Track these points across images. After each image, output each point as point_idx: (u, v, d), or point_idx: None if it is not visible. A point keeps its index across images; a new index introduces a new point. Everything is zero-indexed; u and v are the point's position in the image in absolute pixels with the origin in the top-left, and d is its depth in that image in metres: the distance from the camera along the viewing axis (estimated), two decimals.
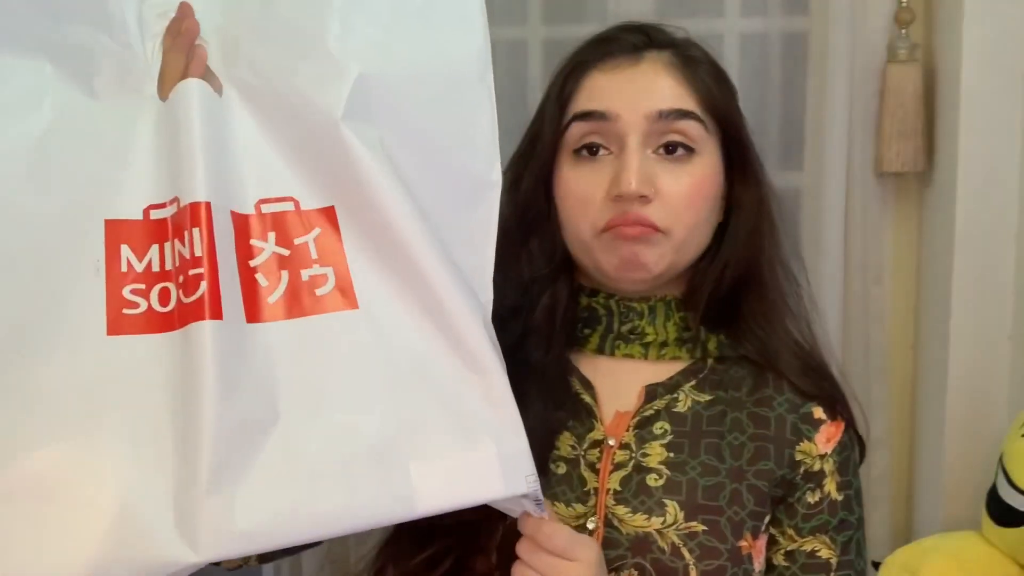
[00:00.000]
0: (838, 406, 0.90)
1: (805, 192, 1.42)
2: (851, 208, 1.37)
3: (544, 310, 0.90)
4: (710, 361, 0.91)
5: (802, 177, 1.42)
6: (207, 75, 0.73)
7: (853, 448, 0.91)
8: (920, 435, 1.46)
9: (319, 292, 0.71)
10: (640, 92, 0.87)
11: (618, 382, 0.90)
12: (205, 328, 0.65)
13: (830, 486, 0.88)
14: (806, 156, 1.41)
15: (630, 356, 0.90)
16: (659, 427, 0.87)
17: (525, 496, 0.72)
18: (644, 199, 0.84)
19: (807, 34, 1.40)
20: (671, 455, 0.86)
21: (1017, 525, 1.17)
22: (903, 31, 1.37)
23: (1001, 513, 1.19)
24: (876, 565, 1.26)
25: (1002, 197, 1.33)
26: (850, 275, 1.38)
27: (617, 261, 0.86)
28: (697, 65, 0.89)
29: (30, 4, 0.73)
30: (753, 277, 0.91)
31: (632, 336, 0.90)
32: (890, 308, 1.45)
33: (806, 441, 0.88)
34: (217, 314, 0.65)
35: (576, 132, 0.88)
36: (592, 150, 0.87)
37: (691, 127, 0.86)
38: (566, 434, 0.87)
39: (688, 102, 0.87)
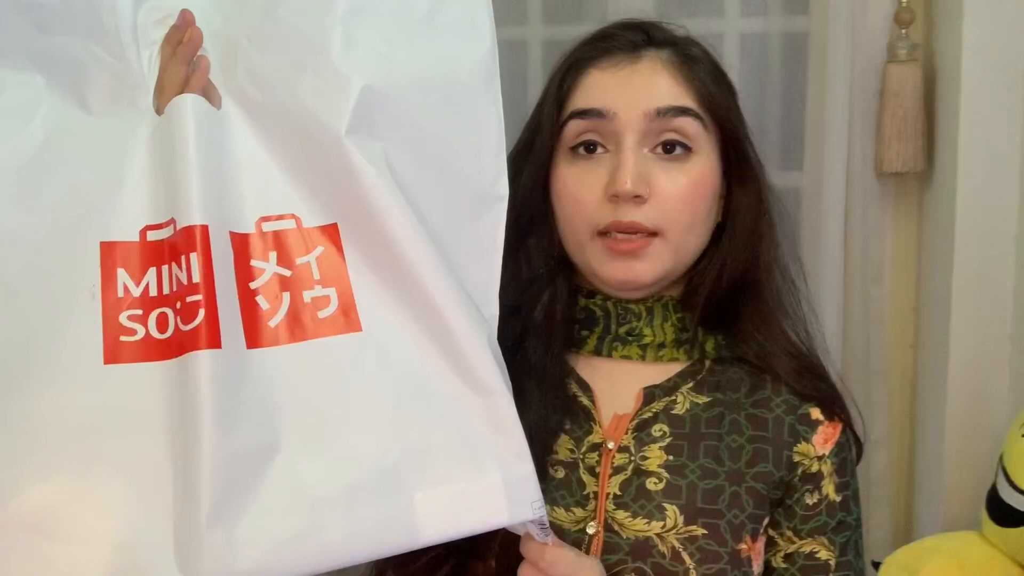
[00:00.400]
0: (835, 407, 0.90)
1: (805, 192, 1.42)
2: (851, 208, 1.37)
3: (543, 309, 0.90)
4: (707, 362, 0.90)
5: (802, 177, 1.42)
6: (207, 86, 0.72)
7: (850, 449, 0.91)
8: (920, 435, 1.46)
9: (321, 315, 0.69)
10: (638, 90, 0.86)
11: (616, 384, 0.89)
12: (202, 358, 0.63)
13: (828, 487, 0.87)
14: (806, 156, 1.41)
15: (628, 358, 0.89)
16: (658, 429, 0.86)
17: (531, 520, 0.71)
18: (639, 199, 0.83)
19: (807, 34, 1.40)
20: (670, 458, 0.85)
21: (1017, 525, 1.17)
22: (903, 31, 1.37)
23: (1001, 513, 1.19)
24: (876, 565, 1.26)
25: (1002, 197, 1.33)
26: (850, 275, 1.38)
27: (611, 275, 0.86)
28: (696, 64, 0.88)
29: (19, 14, 0.71)
30: (751, 279, 0.91)
31: (630, 338, 0.90)
32: (890, 308, 1.45)
33: (804, 443, 0.87)
34: (215, 343, 0.63)
35: (573, 130, 0.87)
36: (589, 148, 0.86)
37: (689, 125, 0.85)
38: (564, 437, 0.86)
39: (686, 99, 0.86)
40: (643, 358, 0.89)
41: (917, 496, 1.46)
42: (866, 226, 1.39)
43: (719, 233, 0.91)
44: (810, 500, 0.87)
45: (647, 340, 0.90)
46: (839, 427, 0.89)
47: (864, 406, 1.37)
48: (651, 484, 0.84)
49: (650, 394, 0.88)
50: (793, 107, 1.41)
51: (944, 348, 1.36)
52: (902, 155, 1.37)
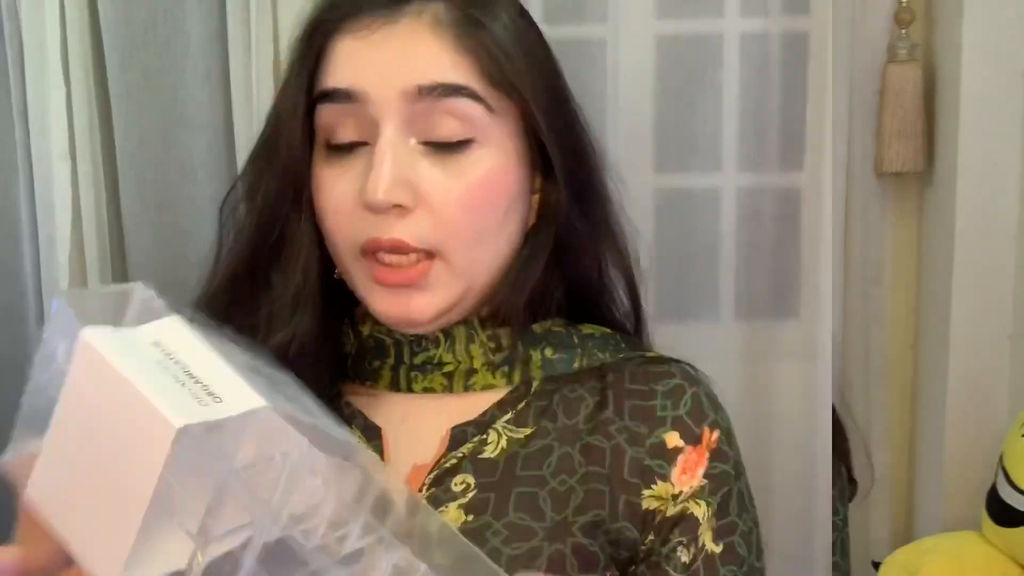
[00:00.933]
0: (698, 413, 0.70)
1: (805, 192, 1.41)
2: (851, 208, 1.36)
3: (297, 346, 0.68)
4: (535, 384, 0.72)
5: (802, 177, 1.42)
6: None
7: (729, 461, 0.70)
8: (920, 435, 1.46)
9: None
10: (394, 61, 0.65)
11: (418, 426, 0.71)
12: None
13: (705, 535, 0.68)
14: (806, 156, 1.40)
15: (431, 390, 0.71)
16: (459, 482, 0.67)
17: None
18: (401, 210, 0.65)
19: (807, 34, 1.39)
20: (469, 518, 0.66)
21: (1017, 525, 1.17)
22: (903, 31, 1.37)
23: (1001, 513, 1.19)
24: (876, 565, 1.26)
25: (1002, 197, 1.33)
26: (850, 275, 1.38)
27: (383, 312, 0.68)
28: (481, 23, 0.67)
29: None
30: (580, 282, 0.77)
31: (428, 367, 0.71)
32: (890, 308, 1.45)
33: (660, 482, 0.68)
34: None
35: (324, 118, 0.68)
36: (346, 142, 0.67)
37: (465, 107, 0.66)
38: None
39: (460, 73, 0.66)
40: (450, 389, 0.71)
41: (917, 496, 1.46)
42: (866, 226, 1.38)
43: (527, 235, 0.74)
44: (685, 557, 0.67)
45: (450, 368, 0.71)
46: (713, 439, 0.70)
47: (864, 406, 1.37)
48: None
49: (460, 435, 0.70)
50: (793, 107, 1.40)
51: (944, 348, 1.36)
52: (902, 155, 1.37)
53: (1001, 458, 1.21)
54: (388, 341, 0.72)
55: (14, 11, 1.26)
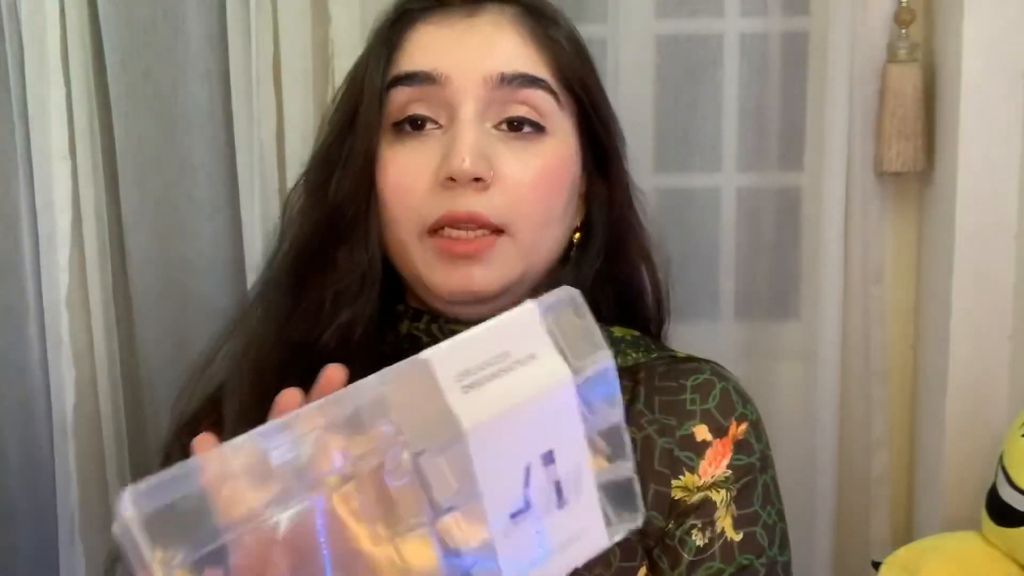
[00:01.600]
0: (728, 404, 0.71)
1: (805, 192, 1.42)
2: (851, 208, 1.36)
3: (336, 332, 0.70)
4: None
5: (802, 177, 1.42)
6: None
7: (754, 454, 0.71)
8: (920, 435, 1.46)
9: None
10: (476, 50, 0.70)
11: None
12: None
13: (724, 521, 0.68)
14: (806, 156, 1.41)
15: None
16: None
17: None
18: (480, 183, 0.68)
19: (807, 34, 1.39)
20: None
21: (1017, 525, 1.17)
22: (903, 31, 1.37)
23: (1001, 513, 1.19)
24: (876, 565, 1.26)
25: (1002, 197, 1.33)
26: (850, 275, 1.38)
27: (444, 283, 0.70)
28: (551, 25, 0.73)
29: None
30: (617, 281, 0.80)
31: None
32: (890, 308, 1.45)
33: (687, 473, 0.69)
34: None
35: (397, 100, 0.71)
36: (416, 124, 0.70)
37: (540, 98, 0.70)
38: None
39: (538, 67, 0.71)
40: None
41: (917, 496, 1.46)
42: (866, 226, 1.38)
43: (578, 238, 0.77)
44: (700, 540, 0.68)
45: None
46: (739, 431, 0.71)
47: (864, 406, 1.37)
48: None
49: None
50: (793, 107, 1.40)
51: (944, 348, 1.36)
52: (902, 155, 1.37)
53: (1001, 458, 1.21)
54: (425, 340, 0.73)
55: (14, 11, 1.26)
